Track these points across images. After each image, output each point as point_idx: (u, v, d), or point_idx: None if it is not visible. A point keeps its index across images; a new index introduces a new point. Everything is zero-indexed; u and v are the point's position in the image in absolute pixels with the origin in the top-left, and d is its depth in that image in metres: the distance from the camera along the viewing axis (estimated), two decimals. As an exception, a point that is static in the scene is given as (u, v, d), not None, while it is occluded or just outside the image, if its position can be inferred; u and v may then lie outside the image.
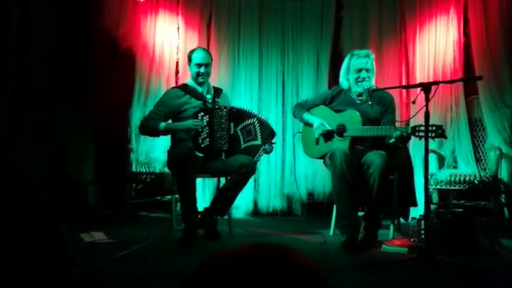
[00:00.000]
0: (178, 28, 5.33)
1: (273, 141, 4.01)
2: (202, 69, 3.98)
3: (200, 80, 4.00)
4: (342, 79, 3.92)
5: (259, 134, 3.93)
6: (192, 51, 4.09)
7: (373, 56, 3.84)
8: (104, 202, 5.15)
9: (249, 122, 3.92)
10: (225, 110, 3.85)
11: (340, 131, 3.76)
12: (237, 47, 5.39)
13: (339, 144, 3.73)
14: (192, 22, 5.34)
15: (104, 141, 5.24)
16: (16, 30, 4.28)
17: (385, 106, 3.81)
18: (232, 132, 3.84)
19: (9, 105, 4.23)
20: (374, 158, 3.52)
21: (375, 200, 3.54)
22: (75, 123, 5.13)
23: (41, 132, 4.60)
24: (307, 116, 3.98)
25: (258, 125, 3.93)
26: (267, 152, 4.01)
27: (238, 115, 3.90)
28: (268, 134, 3.96)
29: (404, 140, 3.42)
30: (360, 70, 3.78)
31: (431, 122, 3.03)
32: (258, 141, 3.92)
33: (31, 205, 2.33)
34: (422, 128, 3.10)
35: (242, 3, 5.41)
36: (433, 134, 3.03)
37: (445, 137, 3.17)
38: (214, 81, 5.06)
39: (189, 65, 4.04)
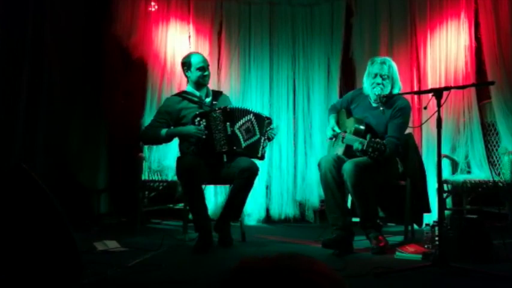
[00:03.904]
0: (189, 36, 5.35)
1: (272, 126, 4.02)
2: (206, 72, 4.01)
3: (205, 81, 4.03)
4: (364, 84, 3.93)
5: (257, 128, 3.92)
6: (187, 57, 4.08)
7: (391, 63, 3.82)
8: (117, 210, 5.19)
9: (246, 120, 3.89)
10: (218, 111, 3.81)
11: (343, 136, 3.76)
12: (248, 54, 5.39)
13: (339, 149, 3.78)
14: (203, 30, 5.36)
15: (117, 150, 5.29)
16: (30, 40, 4.33)
17: (395, 110, 3.78)
18: (229, 132, 3.78)
19: (24, 113, 4.28)
20: (345, 167, 3.54)
21: (358, 208, 3.59)
22: (88, 131, 5.18)
23: (54, 140, 4.64)
24: (329, 119, 4.05)
25: (254, 120, 3.93)
26: (270, 139, 4.03)
27: (233, 114, 3.85)
28: (264, 123, 3.97)
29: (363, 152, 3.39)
30: (375, 75, 3.78)
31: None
32: (257, 135, 3.91)
33: (42, 212, 2.35)
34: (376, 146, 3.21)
35: (252, 10, 5.43)
36: (374, 155, 3.20)
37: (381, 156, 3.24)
38: (225, 88, 5.09)
39: (188, 70, 4.02)
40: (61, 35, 4.70)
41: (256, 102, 5.29)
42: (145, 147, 4.93)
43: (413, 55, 5.12)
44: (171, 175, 4.92)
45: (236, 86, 5.27)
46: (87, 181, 5.11)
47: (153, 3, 5.23)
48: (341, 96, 4.84)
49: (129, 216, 4.97)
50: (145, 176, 4.82)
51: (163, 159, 5.00)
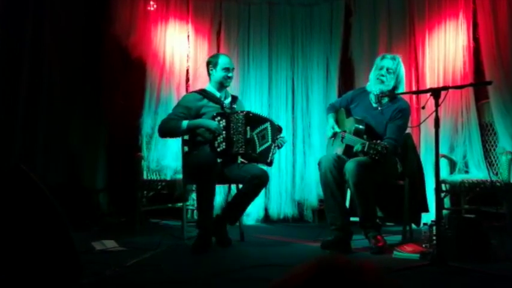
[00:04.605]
0: (188, 36, 5.36)
1: (282, 135, 4.09)
2: (230, 74, 4.03)
3: (228, 83, 4.06)
4: (370, 80, 3.93)
5: (270, 135, 3.98)
6: (215, 56, 4.12)
7: (400, 61, 3.85)
8: (116, 209, 5.19)
9: (263, 127, 3.96)
10: (241, 114, 3.86)
11: (343, 136, 3.77)
12: (247, 54, 5.40)
13: (338, 149, 3.79)
14: (202, 30, 5.37)
15: (116, 149, 5.29)
16: (30, 40, 4.35)
17: (396, 111, 3.80)
18: (248, 136, 3.84)
19: (24, 113, 4.29)
20: (348, 166, 3.55)
21: (359, 207, 3.59)
22: (88, 131, 5.19)
23: (54, 140, 4.65)
24: (328, 118, 4.07)
25: (270, 128, 3.98)
26: (279, 147, 4.10)
27: (254, 120, 3.92)
28: (276, 131, 4.03)
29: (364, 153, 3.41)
30: (381, 68, 3.79)
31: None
32: (269, 142, 3.96)
33: (41, 212, 2.36)
34: (377, 148, 3.24)
35: (251, 10, 5.44)
36: (375, 157, 3.24)
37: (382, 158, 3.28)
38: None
39: (214, 69, 4.03)
40: (61, 35, 4.71)
41: (255, 102, 5.30)
42: (144, 146, 4.94)
43: (412, 55, 5.13)
44: (170, 174, 4.94)
45: (235, 85, 5.25)
46: (87, 181, 5.12)
47: (152, 3, 5.23)
48: (340, 95, 4.84)
49: (128, 215, 4.98)
50: (144, 176, 4.83)
51: (162, 158, 5.01)
